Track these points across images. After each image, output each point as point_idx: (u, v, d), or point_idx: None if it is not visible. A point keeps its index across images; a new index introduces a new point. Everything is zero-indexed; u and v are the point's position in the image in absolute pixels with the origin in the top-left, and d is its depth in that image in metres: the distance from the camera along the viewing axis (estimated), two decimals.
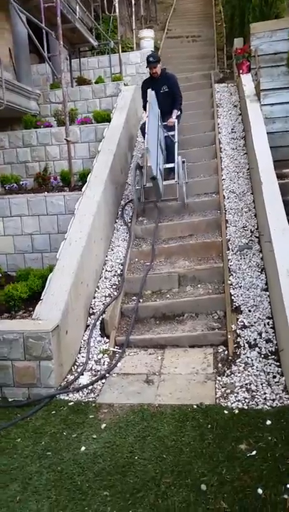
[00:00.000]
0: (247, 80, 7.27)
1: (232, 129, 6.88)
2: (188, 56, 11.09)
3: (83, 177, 5.83)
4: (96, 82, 8.93)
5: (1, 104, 6.21)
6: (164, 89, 6.03)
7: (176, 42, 12.46)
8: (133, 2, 11.62)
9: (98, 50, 10.92)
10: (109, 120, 6.88)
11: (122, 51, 9.75)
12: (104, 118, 7.05)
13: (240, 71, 7.68)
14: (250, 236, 4.96)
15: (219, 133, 6.83)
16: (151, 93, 5.37)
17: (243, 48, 7.82)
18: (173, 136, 5.92)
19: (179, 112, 6.21)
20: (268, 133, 5.77)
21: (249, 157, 6.05)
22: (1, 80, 6.23)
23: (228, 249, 4.84)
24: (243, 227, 5.11)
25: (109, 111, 7.29)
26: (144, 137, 5.50)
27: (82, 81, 9.08)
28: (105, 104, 8.03)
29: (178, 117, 6.16)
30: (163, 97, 5.92)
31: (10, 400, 3.59)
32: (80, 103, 8.12)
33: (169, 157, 5.85)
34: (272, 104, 6.70)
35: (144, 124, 5.61)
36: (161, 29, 13.28)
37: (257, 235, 4.94)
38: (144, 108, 5.75)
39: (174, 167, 5.60)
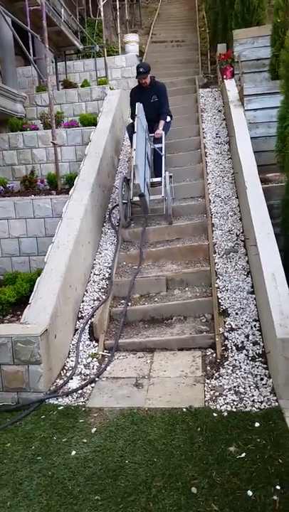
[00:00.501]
0: (231, 86, 7.38)
1: (216, 134, 6.96)
2: (173, 61, 11.17)
3: (70, 180, 5.83)
4: (82, 86, 8.93)
5: None
6: (153, 99, 5.96)
7: (160, 46, 12.55)
8: (118, 6, 11.67)
9: (84, 54, 10.94)
10: (95, 124, 6.89)
11: (108, 55, 9.77)
12: (90, 121, 7.06)
13: (224, 76, 7.80)
14: (236, 240, 5.03)
15: (204, 138, 6.91)
16: (139, 107, 5.33)
17: (227, 53, 7.94)
18: (160, 149, 5.82)
19: (169, 119, 6.12)
20: (251, 138, 5.87)
21: (233, 162, 6.13)
22: None
23: (215, 253, 4.90)
24: (229, 230, 5.18)
25: (96, 114, 7.31)
26: (130, 139, 5.50)
27: (68, 84, 9.07)
28: (91, 107, 8.05)
29: (168, 123, 6.07)
30: (152, 106, 5.87)
31: None
32: (66, 106, 8.11)
33: (156, 171, 5.81)
34: (256, 110, 6.80)
35: (131, 125, 5.61)
36: (146, 33, 13.36)
37: (242, 239, 5.01)
38: (132, 118, 5.78)
39: (160, 181, 5.55)
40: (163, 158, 5.76)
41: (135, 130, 5.07)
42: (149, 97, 5.91)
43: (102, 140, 6.30)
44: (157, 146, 5.84)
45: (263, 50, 7.52)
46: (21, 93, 7.96)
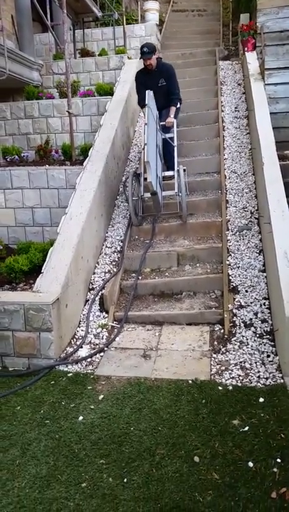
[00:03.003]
0: (252, 58, 7.17)
1: (235, 108, 6.82)
2: (193, 31, 10.88)
3: (85, 151, 5.79)
4: (99, 55, 8.77)
5: (3, 73, 6.10)
6: (161, 83, 5.47)
7: (181, 15, 12.20)
8: None
9: (102, 22, 10.68)
10: (111, 93, 6.79)
11: (127, 23, 9.54)
12: (106, 91, 6.96)
13: (245, 48, 7.56)
14: (250, 217, 4.99)
15: (222, 111, 6.77)
16: (150, 95, 4.83)
17: (249, 24, 7.68)
18: (172, 138, 5.40)
19: (179, 105, 5.65)
20: (271, 113, 5.72)
21: (252, 137, 6.01)
22: (3, 48, 6.11)
23: (228, 230, 4.88)
24: (243, 208, 5.13)
25: (113, 84, 7.19)
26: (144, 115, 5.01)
27: (85, 53, 8.90)
28: (108, 77, 7.91)
29: (177, 110, 5.62)
30: (160, 91, 5.37)
31: (10, 369, 3.68)
32: (82, 75, 7.99)
33: (168, 163, 5.45)
34: (276, 84, 6.61)
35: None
36: (167, 1, 12.95)
37: (257, 217, 4.97)
38: (140, 105, 5.46)
39: (173, 175, 5.17)
40: (175, 149, 5.34)
41: (145, 121, 4.64)
42: (156, 81, 5.45)
43: (118, 110, 6.22)
44: (168, 135, 5.42)
45: (287, 21, 7.23)
46: (38, 61, 7.85)
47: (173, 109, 5.52)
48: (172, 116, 5.48)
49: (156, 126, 5.15)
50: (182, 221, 5.14)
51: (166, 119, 5.44)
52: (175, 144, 5.37)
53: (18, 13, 7.82)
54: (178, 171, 5.04)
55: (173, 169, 5.22)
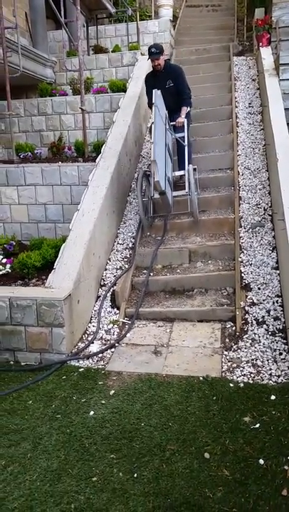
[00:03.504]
0: (266, 54, 7.10)
1: (249, 104, 6.76)
2: (208, 27, 10.78)
3: (97, 148, 5.80)
4: (113, 51, 8.76)
5: (17, 70, 6.13)
6: (168, 84, 5.34)
7: (195, 11, 12.11)
8: None
9: (116, 18, 10.66)
10: (124, 90, 6.78)
11: (140, 19, 9.49)
12: (119, 88, 6.95)
13: (260, 44, 7.48)
14: (264, 214, 4.95)
15: (236, 107, 6.72)
16: (157, 94, 4.75)
17: (264, 18, 7.59)
18: (182, 138, 5.29)
19: (189, 108, 5.51)
20: (285, 109, 5.67)
21: (266, 133, 5.96)
22: (17, 45, 6.14)
23: (240, 227, 4.84)
24: (257, 204, 5.09)
25: (126, 80, 7.18)
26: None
27: (98, 49, 8.91)
28: (121, 73, 7.91)
29: (187, 114, 5.47)
30: (168, 93, 5.24)
31: (22, 363, 3.72)
32: (96, 72, 8.00)
33: (179, 163, 5.36)
34: None
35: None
36: None
37: (270, 213, 4.93)
38: (150, 107, 5.28)
39: (183, 175, 5.10)
40: (186, 148, 5.24)
41: (152, 120, 4.54)
42: (164, 83, 5.33)
43: (130, 107, 6.21)
44: (179, 135, 5.30)
45: None
46: (52, 58, 7.88)
47: (184, 109, 5.39)
48: (183, 116, 5.36)
49: (166, 125, 5.05)
50: (194, 219, 5.08)
51: (177, 119, 5.33)
52: (186, 143, 5.28)
53: (31, 11, 7.85)
54: (188, 170, 4.96)
55: (184, 169, 5.15)
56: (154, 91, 4.76)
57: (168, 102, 5.19)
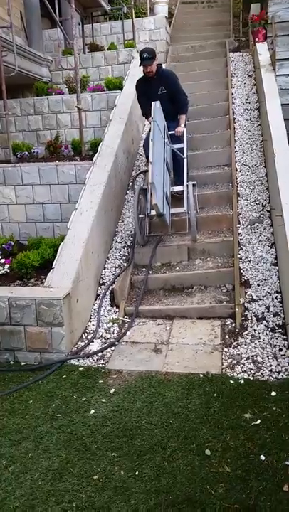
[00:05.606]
0: (262, 49, 7.08)
1: (246, 100, 6.74)
2: (203, 23, 10.76)
3: (94, 146, 5.78)
4: (108, 49, 8.72)
5: (13, 70, 6.11)
6: (161, 91, 5.01)
7: (190, 7, 12.08)
8: None
9: (111, 16, 10.62)
10: (121, 88, 6.76)
11: (136, 16, 9.46)
12: (116, 85, 6.92)
13: (256, 39, 7.47)
14: (262, 210, 4.94)
15: (233, 103, 6.70)
16: (156, 106, 4.39)
17: (260, 14, 7.57)
18: (181, 150, 5.01)
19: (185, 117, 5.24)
20: (282, 104, 5.65)
21: (263, 129, 5.95)
22: (12, 45, 6.12)
23: (239, 223, 4.84)
24: (255, 200, 5.08)
25: (122, 78, 7.15)
26: (146, 154, 4.59)
27: (94, 47, 8.87)
28: (117, 71, 7.87)
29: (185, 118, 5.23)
30: (161, 100, 4.75)
31: (22, 363, 3.71)
32: (91, 70, 7.97)
33: (177, 177, 5.08)
34: (288, 75, 6.51)
35: (147, 137, 4.74)
36: None
37: (268, 209, 4.92)
38: (144, 115, 5.25)
39: (182, 190, 4.82)
40: (185, 161, 4.98)
41: (151, 137, 4.18)
42: (156, 89, 5.00)
43: (127, 105, 6.19)
44: (177, 146, 5.01)
45: None
46: (47, 57, 7.85)
47: (183, 117, 5.15)
48: (182, 125, 5.13)
49: (164, 139, 4.72)
50: (192, 240, 4.78)
51: (176, 129, 5.08)
52: (185, 155, 5.02)
53: (26, 9, 7.81)
54: (187, 186, 4.70)
55: (182, 183, 4.90)
56: (153, 104, 4.41)
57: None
